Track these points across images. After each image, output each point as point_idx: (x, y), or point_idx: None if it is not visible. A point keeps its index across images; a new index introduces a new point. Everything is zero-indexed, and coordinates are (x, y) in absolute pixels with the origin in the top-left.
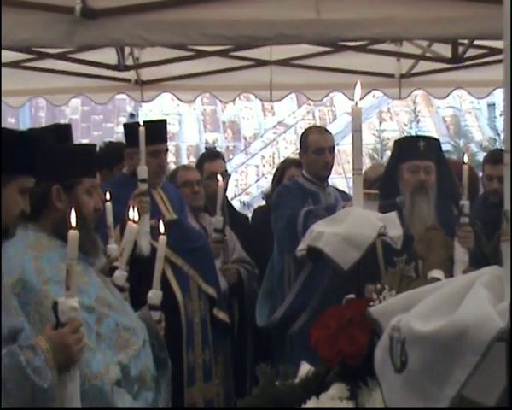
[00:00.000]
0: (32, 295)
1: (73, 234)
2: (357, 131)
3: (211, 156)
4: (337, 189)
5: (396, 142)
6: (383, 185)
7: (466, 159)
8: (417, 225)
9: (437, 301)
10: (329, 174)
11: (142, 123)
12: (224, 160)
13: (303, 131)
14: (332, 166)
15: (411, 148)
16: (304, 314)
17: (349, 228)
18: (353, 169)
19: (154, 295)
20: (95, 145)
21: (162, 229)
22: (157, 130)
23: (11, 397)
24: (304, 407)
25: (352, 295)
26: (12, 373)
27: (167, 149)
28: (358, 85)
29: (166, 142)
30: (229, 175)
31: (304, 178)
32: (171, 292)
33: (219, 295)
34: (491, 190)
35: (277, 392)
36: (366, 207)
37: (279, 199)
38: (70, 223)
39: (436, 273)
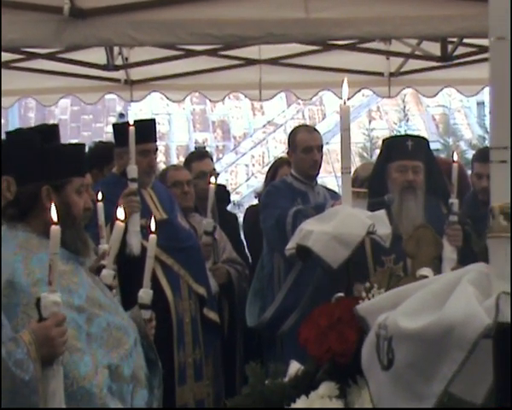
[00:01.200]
0: (21, 296)
1: (55, 229)
2: (345, 130)
3: (198, 156)
4: (326, 188)
5: (384, 141)
6: (372, 184)
7: (456, 157)
8: (406, 225)
9: (423, 299)
10: (318, 173)
11: (132, 122)
12: (211, 159)
13: (291, 130)
14: (320, 165)
15: (400, 147)
16: (294, 314)
17: (338, 227)
18: (342, 168)
19: (145, 294)
20: (84, 145)
21: (153, 227)
22: (146, 129)
23: None
24: (293, 405)
25: (341, 294)
26: None
27: (157, 149)
28: (345, 83)
29: (156, 141)
30: (218, 174)
31: (293, 177)
32: (162, 291)
33: (210, 294)
34: (480, 188)
35: (267, 391)
36: (355, 206)
37: (268, 198)
38: (51, 222)
39: (425, 271)
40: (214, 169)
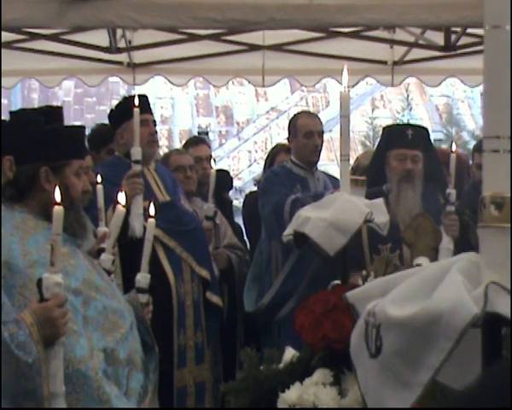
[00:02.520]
0: (17, 277)
1: (58, 209)
2: (345, 117)
3: (195, 142)
4: (327, 174)
5: (384, 129)
6: (370, 172)
7: (454, 147)
8: (403, 214)
9: (412, 287)
10: (318, 159)
11: (136, 102)
12: (209, 145)
13: (292, 115)
14: (321, 151)
15: (399, 136)
16: (291, 301)
17: (336, 213)
18: (341, 155)
19: (142, 277)
20: (84, 127)
21: (152, 211)
22: (141, 101)
23: None
24: (287, 391)
25: (337, 281)
26: None
27: (155, 122)
28: (345, 70)
29: (152, 114)
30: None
31: (292, 163)
32: (164, 274)
33: (213, 278)
34: (480, 179)
35: (261, 376)
36: (353, 194)
37: (267, 184)
38: (53, 203)
39: (422, 261)
40: (211, 155)
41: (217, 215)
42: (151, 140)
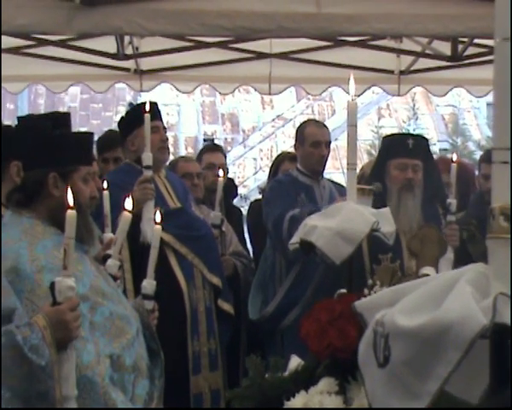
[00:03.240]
0: (25, 283)
1: (71, 213)
2: (352, 126)
3: (211, 148)
4: (333, 181)
5: (385, 138)
6: (371, 181)
7: (455, 157)
8: (403, 223)
9: (421, 297)
10: (324, 169)
11: (147, 108)
12: (224, 155)
13: (300, 123)
14: (327, 161)
15: (400, 145)
16: (295, 309)
17: (342, 222)
18: (348, 164)
19: (148, 284)
20: (92, 133)
21: (158, 219)
22: (151, 108)
23: (11, 377)
24: (292, 400)
25: (343, 290)
26: (9, 352)
27: (165, 128)
28: (352, 79)
29: (162, 121)
30: (228, 170)
31: (298, 171)
32: (175, 280)
33: (224, 285)
34: (487, 189)
35: (266, 384)
36: (360, 203)
37: (270, 195)
38: (66, 207)
39: (428, 271)
40: (225, 164)
41: (223, 223)
42: (162, 146)
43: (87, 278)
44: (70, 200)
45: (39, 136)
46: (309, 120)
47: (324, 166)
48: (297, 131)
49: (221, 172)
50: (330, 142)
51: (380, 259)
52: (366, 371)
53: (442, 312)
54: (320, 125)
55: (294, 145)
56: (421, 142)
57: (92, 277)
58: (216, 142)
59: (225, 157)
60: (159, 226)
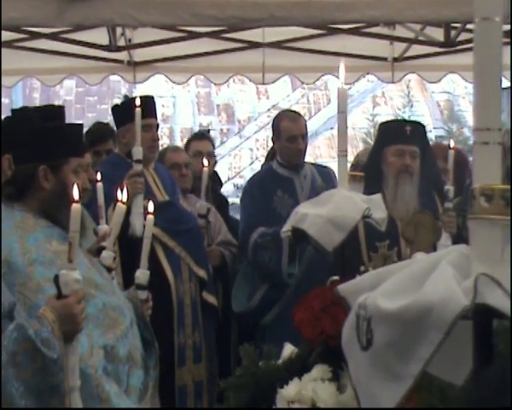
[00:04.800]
0: (16, 275)
1: (76, 207)
2: (342, 113)
3: (199, 136)
4: (316, 165)
5: (381, 125)
6: (367, 169)
7: (452, 144)
8: (400, 209)
9: (403, 279)
10: (303, 161)
11: (138, 103)
12: (212, 143)
13: (275, 116)
14: (305, 153)
15: (398, 132)
16: (276, 307)
17: (333, 210)
18: (338, 151)
19: (142, 274)
20: (81, 125)
21: (151, 208)
22: (146, 105)
23: (24, 371)
24: (286, 387)
25: (336, 277)
26: (22, 346)
27: (158, 125)
28: (342, 66)
29: (156, 118)
30: (216, 160)
31: (278, 163)
32: (163, 273)
33: (209, 277)
34: None
35: (260, 372)
36: (352, 189)
37: (243, 199)
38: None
39: (420, 256)
40: (213, 153)
41: (210, 213)
42: (152, 145)
43: (80, 271)
44: (75, 194)
45: (28, 129)
46: (283, 113)
47: (304, 157)
48: (273, 124)
49: (206, 162)
50: (307, 133)
51: (377, 247)
52: (350, 354)
53: (423, 293)
54: (294, 117)
55: (272, 138)
56: (419, 128)
57: (85, 269)
58: (211, 133)
59: (213, 146)
60: (151, 216)
